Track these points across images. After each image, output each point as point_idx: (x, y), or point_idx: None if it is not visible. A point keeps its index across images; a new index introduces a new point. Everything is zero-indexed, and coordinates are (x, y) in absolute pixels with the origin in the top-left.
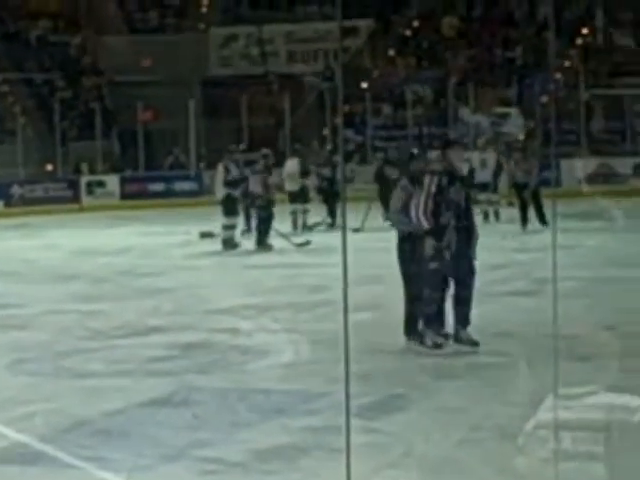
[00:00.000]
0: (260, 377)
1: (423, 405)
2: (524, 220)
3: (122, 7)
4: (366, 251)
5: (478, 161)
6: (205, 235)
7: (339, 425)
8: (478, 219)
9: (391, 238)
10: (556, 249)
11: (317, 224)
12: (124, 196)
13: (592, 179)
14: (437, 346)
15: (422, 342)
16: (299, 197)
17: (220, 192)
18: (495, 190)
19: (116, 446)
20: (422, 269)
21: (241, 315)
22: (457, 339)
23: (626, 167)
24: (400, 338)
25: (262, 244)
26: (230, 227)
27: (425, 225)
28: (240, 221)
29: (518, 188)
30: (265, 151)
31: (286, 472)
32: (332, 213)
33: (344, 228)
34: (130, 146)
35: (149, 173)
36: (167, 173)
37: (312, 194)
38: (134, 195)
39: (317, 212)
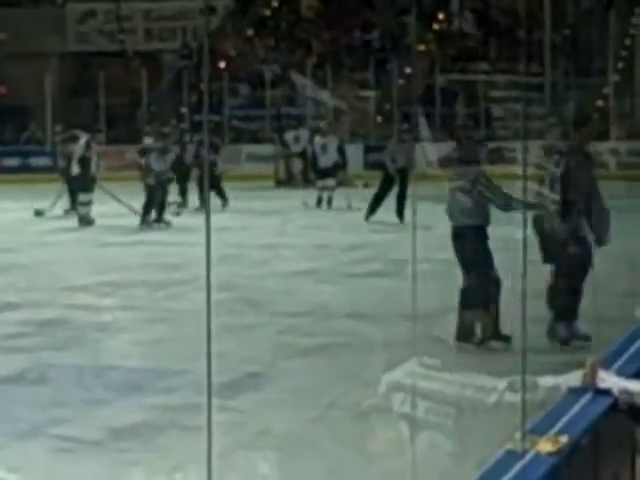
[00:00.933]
0: (116, 355)
1: (279, 384)
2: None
3: None
4: (223, 231)
5: (320, 146)
6: (38, 213)
7: (195, 403)
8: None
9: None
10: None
11: (170, 203)
12: None
13: (445, 163)
14: (566, 342)
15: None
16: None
17: (75, 169)
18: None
19: None
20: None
21: (97, 292)
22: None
23: (480, 152)
24: (257, 317)
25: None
26: (86, 204)
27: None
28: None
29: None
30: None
31: (142, 450)
32: (183, 192)
33: (208, 206)
34: None
35: (3, 148)
36: (22, 148)
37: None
38: None
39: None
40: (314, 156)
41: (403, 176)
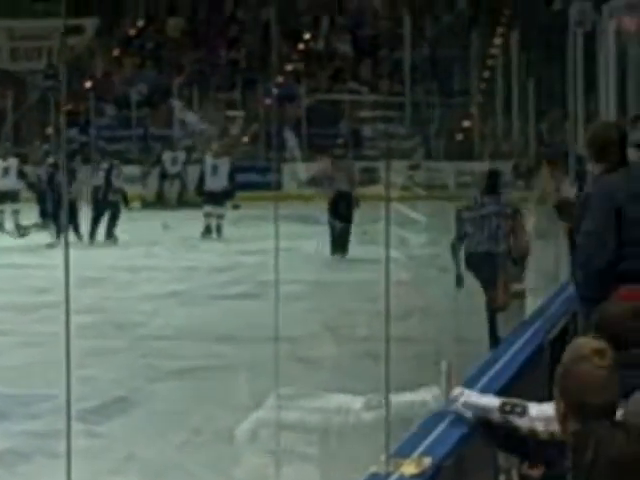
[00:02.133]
0: None
1: (145, 408)
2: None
3: None
4: (90, 253)
5: (210, 167)
6: None
7: (60, 429)
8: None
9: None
10: (278, 252)
11: (34, 225)
12: None
13: (310, 182)
14: None
15: None
16: (8, 197)
17: None
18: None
19: None
20: None
21: None
22: None
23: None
24: (124, 340)
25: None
26: None
27: None
28: None
29: None
30: None
31: (5, 478)
32: (44, 214)
33: (66, 229)
34: None
35: None
36: None
37: (28, 194)
38: None
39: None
40: (202, 177)
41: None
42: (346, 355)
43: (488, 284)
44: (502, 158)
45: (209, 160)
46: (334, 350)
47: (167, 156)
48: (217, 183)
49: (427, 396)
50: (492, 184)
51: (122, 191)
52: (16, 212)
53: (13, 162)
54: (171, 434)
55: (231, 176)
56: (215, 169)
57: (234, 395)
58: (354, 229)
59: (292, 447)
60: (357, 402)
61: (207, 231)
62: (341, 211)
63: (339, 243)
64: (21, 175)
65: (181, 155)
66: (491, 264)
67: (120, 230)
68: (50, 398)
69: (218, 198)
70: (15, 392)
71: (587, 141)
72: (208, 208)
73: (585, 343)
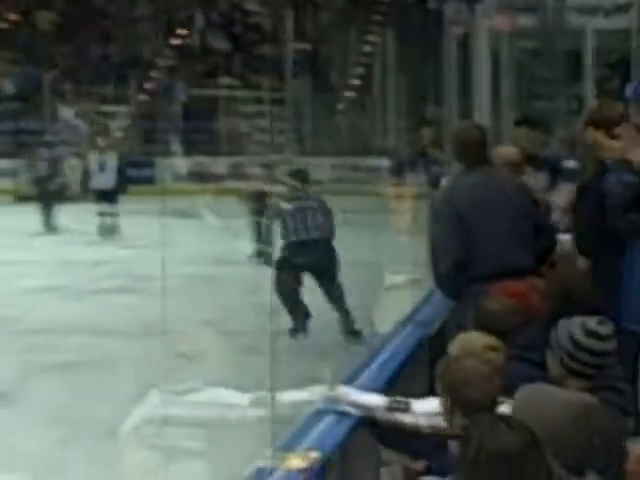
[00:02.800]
0: None
1: (25, 402)
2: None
3: None
4: None
5: (97, 164)
6: None
7: None
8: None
9: None
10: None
11: None
12: None
13: (188, 178)
14: None
15: None
16: None
17: None
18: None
19: None
20: None
21: None
22: None
23: (221, 167)
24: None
25: None
26: None
27: None
28: None
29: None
30: None
31: None
32: None
33: None
34: None
35: None
36: None
37: None
38: None
39: None
40: (86, 174)
41: None
42: (228, 349)
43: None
44: (377, 154)
45: (94, 157)
46: (215, 345)
47: (44, 150)
48: (105, 180)
49: (312, 394)
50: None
51: None
52: None
53: None
54: (52, 429)
55: (120, 172)
56: (102, 166)
57: (115, 390)
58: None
59: (177, 442)
60: (243, 398)
61: (103, 231)
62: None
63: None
64: None
65: (59, 150)
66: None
67: None
68: None
69: (108, 195)
70: None
71: (450, 140)
72: (99, 207)
73: (477, 338)
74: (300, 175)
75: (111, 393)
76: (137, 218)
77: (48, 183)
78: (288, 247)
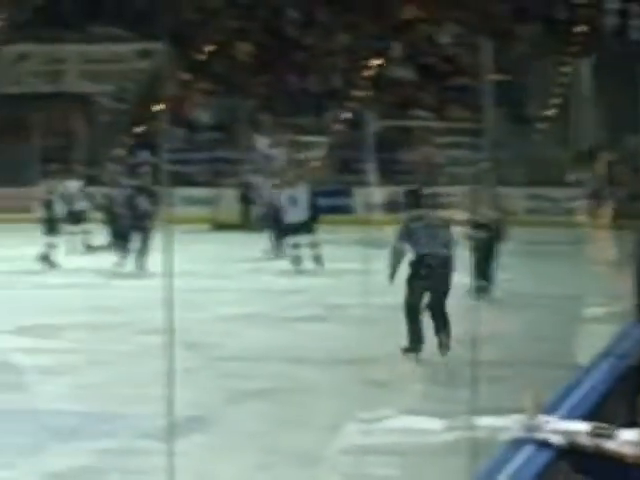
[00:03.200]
0: (54, 398)
1: (220, 428)
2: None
3: None
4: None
5: (287, 198)
6: None
7: (134, 447)
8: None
9: None
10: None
11: (102, 246)
12: None
13: (382, 207)
14: None
15: None
16: (76, 218)
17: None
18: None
19: None
20: None
21: (36, 334)
22: None
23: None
24: (197, 361)
25: None
26: (49, 245)
27: None
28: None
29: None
30: None
31: None
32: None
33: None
34: None
35: None
36: None
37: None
38: None
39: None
40: (277, 209)
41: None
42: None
43: None
44: (572, 184)
45: (286, 191)
46: (409, 373)
47: (250, 179)
48: (298, 213)
49: (511, 421)
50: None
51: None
52: (86, 232)
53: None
54: (246, 454)
55: (312, 203)
56: (294, 200)
57: (310, 417)
58: None
59: (372, 470)
60: (438, 424)
61: (296, 261)
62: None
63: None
64: (87, 197)
65: (260, 180)
66: None
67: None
68: (123, 416)
69: (301, 228)
70: (89, 410)
71: None
72: (292, 239)
73: None
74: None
75: (306, 420)
76: (330, 248)
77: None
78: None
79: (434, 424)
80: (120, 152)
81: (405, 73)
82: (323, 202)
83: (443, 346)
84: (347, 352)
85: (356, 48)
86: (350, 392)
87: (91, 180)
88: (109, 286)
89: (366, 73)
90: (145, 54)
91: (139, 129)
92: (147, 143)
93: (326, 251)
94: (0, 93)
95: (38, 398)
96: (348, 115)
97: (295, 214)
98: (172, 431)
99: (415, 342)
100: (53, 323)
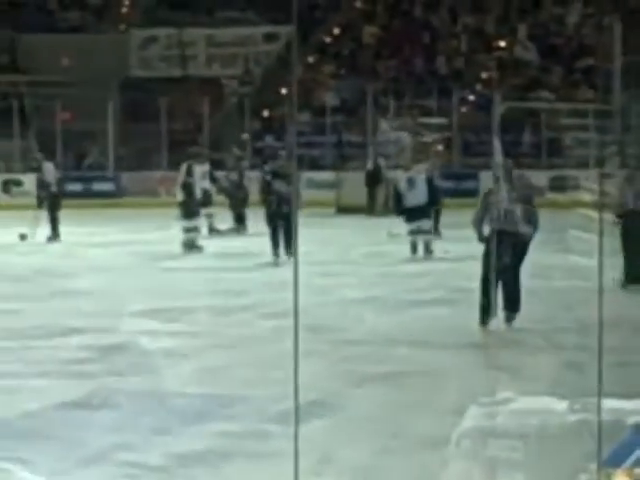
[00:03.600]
0: (179, 381)
1: (342, 412)
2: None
3: (43, 6)
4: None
5: (406, 181)
6: (23, 237)
7: (258, 430)
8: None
9: None
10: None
11: (228, 229)
12: None
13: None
14: None
15: None
16: (203, 202)
17: (179, 195)
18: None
19: (34, 448)
20: None
21: (161, 318)
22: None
23: (542, 180)
24: (320, 344)
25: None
26: (192, 229)
27: None
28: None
29: None
30: None
31: (207, 477)
32: (239, 219)
33: (295, 240)
34: (49, 145)
35: (67, 173)
36: (85, 174)
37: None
38: None
39: (224, 217)
40: (398, 193)
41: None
42: (545, 363)
43: None
44: None
45: (401, 174)
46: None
47: (375, 163)
48: (415, 198)
49: (637, 405)
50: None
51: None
52: (209, 216)
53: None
54: (370, 439)
55: (431, 187)
56: (412, 183)
57: (434, 401)
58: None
59: (497, 453)
60: (562, 405)
61: (413, 249)
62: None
63: None
64: (212, 180)
65: (385, 163)
66: None
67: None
68: (247, 399)
69: (418, 213)
70: (212, 393)
71: None
72: (411, 225)
73: None
74: None
75: (430, 405)
76: (453, 231)
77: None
78: None
79: (557, 405)
80: (246, 136)
81: (530, 55)
82: (448, 185)
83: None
84: (471, 336)
85: (482, 29)
86: (474, 376)
87: (217, 164)
88: (232, 269)
89: (492, 55)
90: (272, 37)
91: (265, 113)
92: (273, 127)
93: (449, 234)
94: (129, 77)
95: (163, 380)
96: (473, 97)
97: (413, 198)
98: (297, 415)
99: (484, 315)
100: (176, 306)
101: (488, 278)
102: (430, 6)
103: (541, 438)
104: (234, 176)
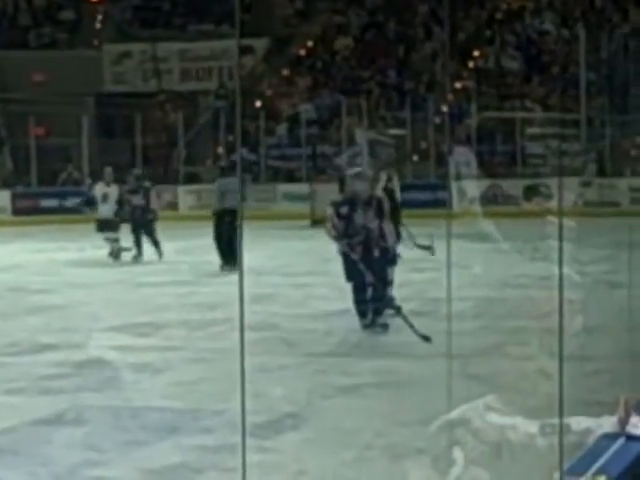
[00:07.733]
0: (153, 395)
1: (315, 424)
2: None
3: (15, 22)
4: (258, 270)
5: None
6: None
7: (232, 444)
8: None
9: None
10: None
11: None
12: (16, 212)
13: (483, 200)
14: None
15: None
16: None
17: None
18: None
19: (7, 464)
20: None
21: (134, 333)
22: None
23: (517, 189)
24: (293, 357)
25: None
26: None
27: None
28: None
29: None
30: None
31: None
32: (137, 243)
33: (240, 244)
34: (22, 162)
35: (41, 189)
36: (60, 189)
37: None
38: (26, 211)
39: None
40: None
41: None
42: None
43: None
44: None
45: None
46: (507, 369)
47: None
48: None
49: (602, 422)
50: None
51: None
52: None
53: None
54: (342, 450)
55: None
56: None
57: (405, 411)
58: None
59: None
60: (531, 425)
61: None
62: None
63: None
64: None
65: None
66: None
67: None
68: (221, 413)
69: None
70: (186, 407)
71: None
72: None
73: None
74: None
75: (401, 416)
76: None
77: None
78: None
79: (527, 424)
80: (221, 150)
81: (516, 64)
82: (418, 196)
83: None
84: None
85: (457, 40)
86: (449, 386)
87: (191, 178)
88: (206, 283)
89: (467, 64)
90: (246, 50)
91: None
92: (248, 140)
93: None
94: (103, 92)
95: (136, 395)
96: (448, 108)
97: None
98: (270, 428)
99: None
100: (150, 321)
101: None
102: (404, 18)
103: (509, 450)
104: (137, 199)
